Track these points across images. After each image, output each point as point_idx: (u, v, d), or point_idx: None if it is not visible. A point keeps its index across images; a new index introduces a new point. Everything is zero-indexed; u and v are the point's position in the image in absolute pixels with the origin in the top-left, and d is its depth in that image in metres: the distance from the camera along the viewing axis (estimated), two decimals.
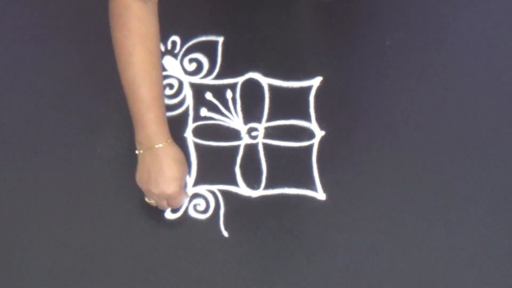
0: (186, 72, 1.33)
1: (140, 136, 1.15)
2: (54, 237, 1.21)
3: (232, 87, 1.31)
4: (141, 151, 1.16)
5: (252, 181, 1.23)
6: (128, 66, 1.11)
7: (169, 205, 1.19)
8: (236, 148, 1.26)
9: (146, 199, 1.20)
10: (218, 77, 1.32)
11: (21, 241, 1.21)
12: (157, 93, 1.14)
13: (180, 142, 1.25)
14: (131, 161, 1.22)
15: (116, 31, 1.11)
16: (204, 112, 1.30)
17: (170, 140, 1.17)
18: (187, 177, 1.23)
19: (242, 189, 1.23)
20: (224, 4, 1.39)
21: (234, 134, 1.28)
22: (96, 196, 1.24)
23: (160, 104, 1.15)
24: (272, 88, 1.30)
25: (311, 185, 1.22)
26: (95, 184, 1.25)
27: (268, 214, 1.20)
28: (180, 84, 1.32)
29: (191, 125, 1.29)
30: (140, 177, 1.17)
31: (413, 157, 1.23)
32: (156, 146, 1.14)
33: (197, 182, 1.24)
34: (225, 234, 1.19)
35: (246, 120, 1.28)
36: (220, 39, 1.35)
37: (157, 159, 1.14)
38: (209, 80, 1.32)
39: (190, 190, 1.23)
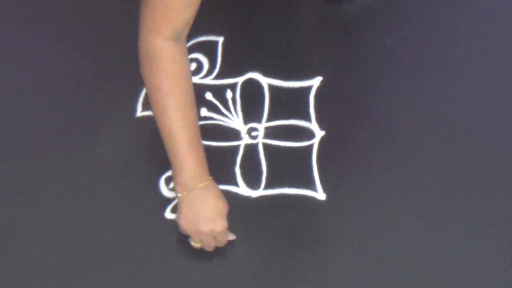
0: None
1: (181, 178, 1.10)
2: (54, 236, 1.21)
3: (232, 87, 1.31)
4: (184, 192, 1.11)
5: (252, 181, 1.23)
6: (165, 109, 1.07)
7: (217, 243, 1.16)
8: (236, 148, 1.26)
9: (192, 243, 1.16)
10: (218, 77, 1.32)
11: (21, 241, 1.21)
12: (195, 133, 1.11)
13: None
14: (131, 161, 1.22)
15: (150, 73, 1.07)
16: (204, 112, 1.30)
17: (211, 177, 1.14)
18: None
19: (242, 189, 1.23)
20: (224, 4, 1.40)
21: (234, 134, 1.28)
22: (96, 196, 1.24)
23: (199, 143, 1.12)
24: (272, 88, 1.30)
25: (311, 185, 1.22)
26: (95, 184, 1.25)
27: (268, 214, 1.20)
28: None
29: None
30: (186, 219, 1.12)
31: (413, 157, 1.23)
32: (200, 185, 1.11)
33: None
34: None
35: (246, 120, 1.28)
36: (220, 39, 1.35)
37: (204, 197, 1.11)
38: (209, 80, 1.32)
39: None
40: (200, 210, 1.11)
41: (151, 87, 1.08)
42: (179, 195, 1.12)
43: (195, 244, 1.16)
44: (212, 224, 1.11)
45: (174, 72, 1.06)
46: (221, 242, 1.16)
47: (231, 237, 1.17)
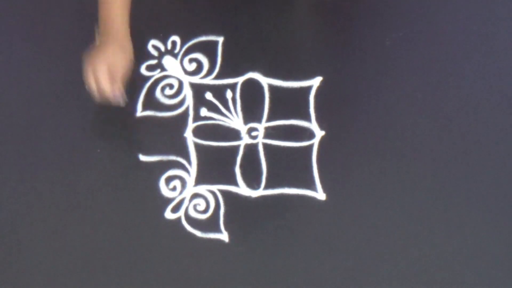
0: (186, 72, 1.33)
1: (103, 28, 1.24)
2: (54, 236, 1.21)
3: (232, 87, 1.31)
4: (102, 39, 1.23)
5: (252, 181, 1.23)
6: None
7: (97, 86, 1.21)
8: (236, 148, 1.26)
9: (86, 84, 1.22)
10: (218, 77, 1.32)
11: (21, 241, 1.21)
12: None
13: (180, 142, 1.25)
14: (131, 161, 1.22)
15: None
16: (204, 112, 1.30)
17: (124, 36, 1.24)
18: (188, 174, 1.23)
19: (242, 189, 1.23)
20: (224, 4, 1.39)
21: (234, 134, 1.28)
22: (96, 196, 1.24)
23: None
24: (272, 88, 1.30)
25: (311, 185, 1.22)
26: (95, 184, 1.25)
27: (268, 214, 1.20)
28: (180, 84, 1.32)
29: (191, 125, 1.29)
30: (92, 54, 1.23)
31: (413, 157, 1.23)
32: (111, 36, 1.22)
33: (197, 182, 1.24)
34: (225, 234, 1.19)
35: (246, 120, 1.28)
36: (220, 39, 1.35)
37: (107, 46, 1.22)
38: (209, 80, 1.32)
39: (190, 190, 1.23)
40: (103, 49, 1.23)
41: None
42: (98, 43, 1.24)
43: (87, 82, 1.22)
44: (100, 61, 1.21)
45: None
46: (100, 85, 1.20)
47: (119, 93, 1.22)
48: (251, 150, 1.26)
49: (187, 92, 1.31)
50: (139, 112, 1.31)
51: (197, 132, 1.28)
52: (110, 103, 1.21)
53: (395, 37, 1.34)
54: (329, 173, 1.22)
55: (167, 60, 1.34)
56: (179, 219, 1.21)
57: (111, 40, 1.23)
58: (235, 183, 1.23)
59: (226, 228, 1.20)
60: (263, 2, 1.38)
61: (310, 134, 1.26)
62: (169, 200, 1.22)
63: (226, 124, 1.29)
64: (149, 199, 1.23)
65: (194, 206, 1.22)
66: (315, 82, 1.30)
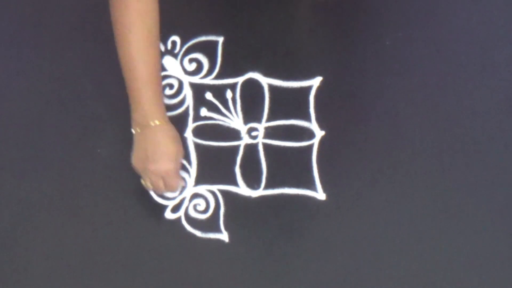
0: (186, 72, 1.33)
1: (136, 114, 1.14)
2: (54, 237, 1.21)
3: (232, 87, 1.31)
4: (138, 130, 1.15)
5: (252, 181, 1.23)
6: (126, 44, 1.11)
7: (166, 187, 1.17)
8: (236, 148, 1.26)
9: (142, 182, 1.18)
10: (218, 77, 1.32)
11: (21, 241, 1.21)
12: (154, 71, 1.14)
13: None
14: (131, 161, 1.21)
15: (114, 8, 1.11)
16: (204, 112, 1.30)
17: (167, 118, 1.17)
18: (188, 174, 1.23)
19: (242, 189, 1.23)
20: (224, 4, 1.39)
21: (234, 134, 1.28)
22: (96, 196, 1.24)
23: (157, 81, 1.15)
24: (272, 88, 1.30)
25: (311, 185, 1.22)
26: (95, 184, 1.25)
27: (268, 214, 1.20)
28: (180, 84, 1.32)
29: (191, 125, 1.29)
30: (137, 156, 1.16)
31: (413, 157, 1.23)
32: (152, 123, 1.14)
33: (197, 182, 1.24)
34: (225, 234, 1.19)
35: (246, 120, 1.28)
36: (220, 39, 1.35)
37: (154, 136, 1.14)
38: (209, 80, 1.32)
39: (190, 190, 1.23)
40: (148, 148, 1.13)
41: (114, 21, 1.11)
42: (134, 132, 1.15)
43: (145, 183, 1.17)
44: (157, 163, 1.13)
45: (139, 9, 1.09)
46: (170, 185, 1.17)
47: (181, 182, 1.18)
48: (251, 150, 1.26)
49: (187, 92, 1.31)
50: None
51: (197, 132, 1.28)
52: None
53: (395, 37, 1.34)
54: (329, 173, 1.22)
55: (167, 60, 1.34)
56: (179, 219, 1.21)
57: (151, 131, 1.14)
58: (235, 183, 1.23)
59: (226, 228, 1.20)
60: (263, 2, 1.38)
61: (310, 134, 1.26)
62: (169, 200, 1.23)
63: (226, 124, 1.29)
64: (149, 199, 1.23)
65: (194, 206, 1.22)
66: (315, 82, 1.30)
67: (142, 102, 1.13)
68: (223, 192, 1.22)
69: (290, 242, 1.18)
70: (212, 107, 1.30)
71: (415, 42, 1.33)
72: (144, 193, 1.23)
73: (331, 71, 1.31)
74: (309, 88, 1.30)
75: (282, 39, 1.35)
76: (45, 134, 1.30)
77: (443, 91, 1.29)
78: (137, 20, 1.10)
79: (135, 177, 1.23)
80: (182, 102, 1.30)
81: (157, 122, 1.14)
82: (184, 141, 1.26)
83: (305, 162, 1.24)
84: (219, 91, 1.31)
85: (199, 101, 1.30)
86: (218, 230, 1.20)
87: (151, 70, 1.13)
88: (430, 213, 1.18)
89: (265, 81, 1.31)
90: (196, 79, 1.32)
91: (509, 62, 1.31)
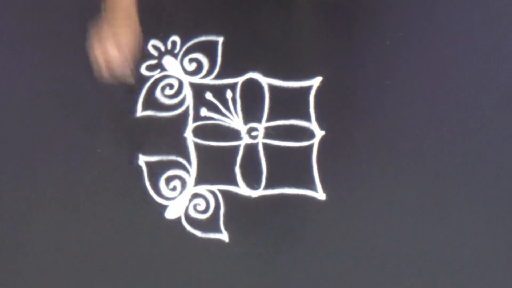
0: (186, 72, 1.33)
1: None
2: (54, 236, 1.21)
3: (232, 87, 1.31)
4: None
5: (252, 181, 1.23)
6: None
7: (105, 57, 1.15)
8: (236, 148, 1.26)
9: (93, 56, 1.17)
10: (218, 77, 1.32)
11: (21, 241, 1.21)
12: None
13: (180, 142, 1.25)
14: (131, 161, 1.22)
15: None
16: (204, 112, 1.30)
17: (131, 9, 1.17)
18: (188, 174, 1.23)
19: (242, 189, 1.23)
20: (224, 4, 1.39)
21: (234, 134, 1.28)
22: (96, 196, 1.24)
23: None
24: (272, 88, 1.30)
25: (311, 185, 1.22)
26: (95, 183, 1.25)
27: (268, 214, 1.20)
28: (180, 84, 1.32)
29: (191, 125, 1.29)
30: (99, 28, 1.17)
31: (412, 156, 1.23)
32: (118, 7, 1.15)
33: (197, 182, 1.24)
34: (225, 234, 1.19)
35: (246, 120, 1.28)
36: (220, 39, 1.35)
37: (119, 15, 1.15)
38: (209, 80, 1.32)
39: (190, 190, 1.24)
40: (106, 20, 1.15)
41: None
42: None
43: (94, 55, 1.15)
44: (102, 29, 1.14)
45: None
46: (104, 49, 1.14)
47: (127, 63, 1.16)
48: (251, 150, 1.26)
49: (187, 92, 1.31)
50: (139, 112, 1.31)
51: (197, 132, 1.28)
52: (117, 78, 1.15)
53: (395, 37, 1.34)
54: (329, 173, 1.22)
55: (167, 60, 1.34)
56: (179, 219, 1.21)
57: (118, 10, 1.16)
58: (235, 183, 1.23)
59: (226, 228, 1.20)
60: (263, 2, 1.39)
61: (310, 134, 1.26)
62: (169, 200, 1.23)
63: (226, 124, 1.29)
64: (149, 199, 1.23)
65: (194, 206, 1.22)
66: (315, 82, 1.30)
67: None
68: (223, 192, 1.22)
69: (290, 242, 1.18)
70: (212, 107, 1.30)
71: (415, 42, 1.33)
72: (144, 193, 1.23)
73: (331, 71, 1.31)
74: (309, 88, 1.30)
75: (282, 39, 1.35)
76: (45, 134, 1.30)
77: (443, 90, 1.29)
78: None
79: (135, 177, 1.23)
80: (182, 102, 1.31)
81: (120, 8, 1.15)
82: (184, 141, 1.27)
83: (305, 162, 1.24)
84: (219, 91, 1.31)
85: (199, 101, 1.30)
86: (218, 230, 1.20)
87: None
88: (430, 212, 1.18)
89: (265, 81, 1.31)
90: (196, 79, 1.33)
91: (509, 62, 1.31)
